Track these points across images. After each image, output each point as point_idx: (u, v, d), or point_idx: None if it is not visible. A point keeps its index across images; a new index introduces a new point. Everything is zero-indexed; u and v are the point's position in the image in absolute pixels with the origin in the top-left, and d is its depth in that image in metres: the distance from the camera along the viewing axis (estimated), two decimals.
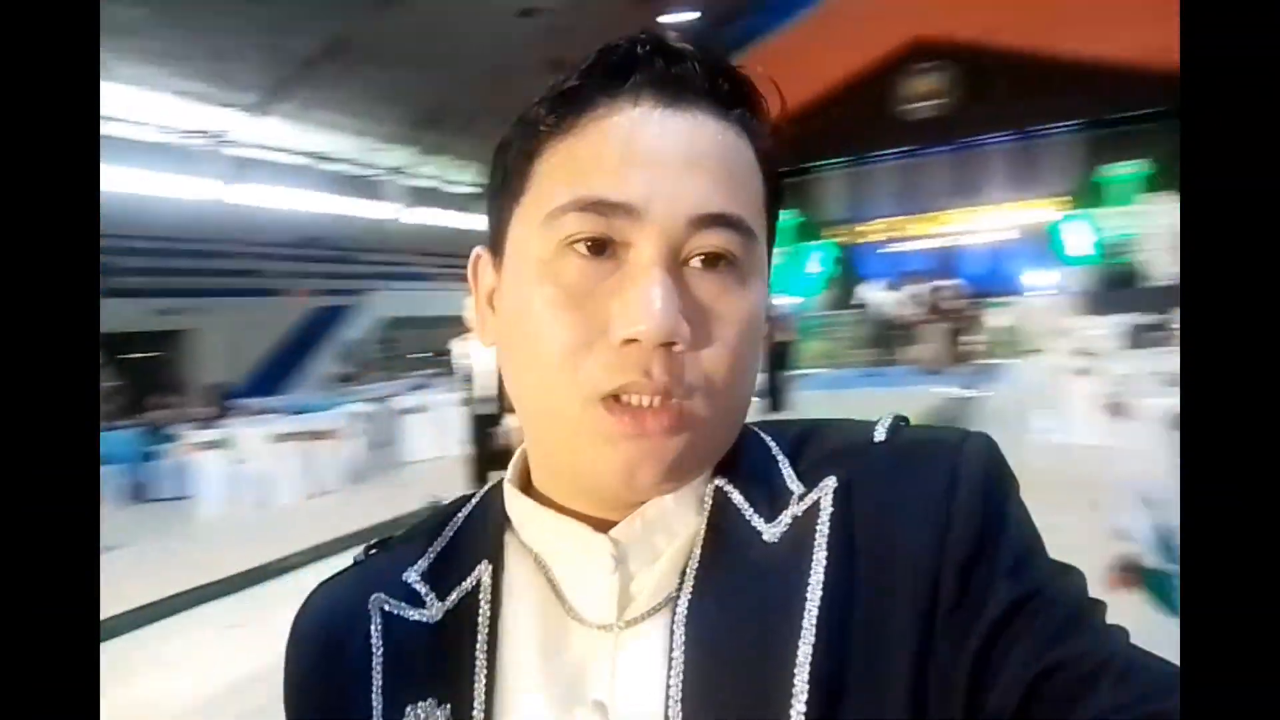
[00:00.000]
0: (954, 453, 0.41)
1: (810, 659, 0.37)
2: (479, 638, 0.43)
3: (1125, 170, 16.58)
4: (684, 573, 0.42)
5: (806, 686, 0.37)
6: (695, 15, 18.71)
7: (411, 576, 0.46)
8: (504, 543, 0.45)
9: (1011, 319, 15.46)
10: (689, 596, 0.41)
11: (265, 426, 7.76)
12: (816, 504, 0.41)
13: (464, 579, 0.45)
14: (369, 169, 20.80)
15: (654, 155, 0.40)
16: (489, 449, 4.74)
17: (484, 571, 0.44)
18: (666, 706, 0.39)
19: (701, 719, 0.39)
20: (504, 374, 0.44)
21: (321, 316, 15.27)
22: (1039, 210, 19.16)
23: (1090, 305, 13.51)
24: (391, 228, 21.60)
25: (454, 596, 0.45)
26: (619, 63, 0.42)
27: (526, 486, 0.45)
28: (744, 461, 0.44)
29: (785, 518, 0.42)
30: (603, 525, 0.43)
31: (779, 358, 9.95)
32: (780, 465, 0.44)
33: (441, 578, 0.45)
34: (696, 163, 0.40)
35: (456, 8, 15.41)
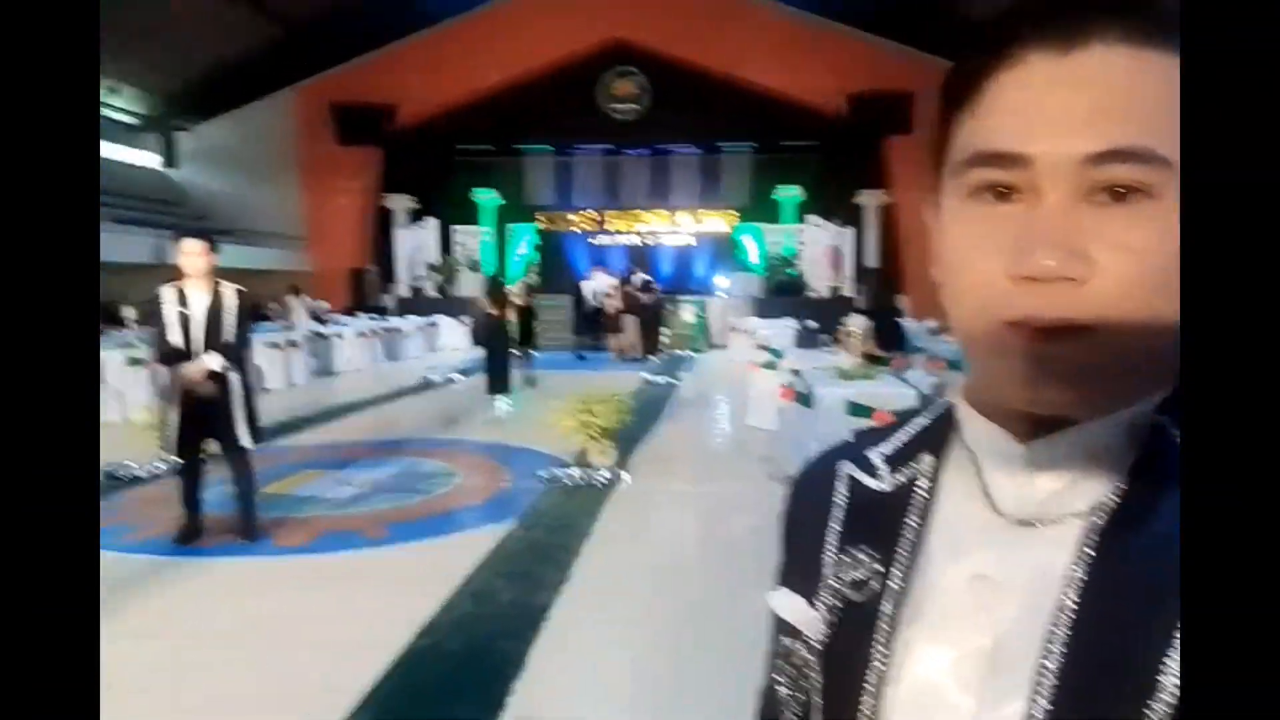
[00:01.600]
0: None
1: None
2: (914, 509, 0.51)
3: (788, 193, 19.21)
4: (1109, 495, 0.44)
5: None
6: None
7: (875, 455, 0.55)
8: (950, 440, 0.53)
9: (697, 316, 17.06)
10: (1104, 517, 0.44)
11: None
12: None
13: (912, 463, 0.53)
14: None
15: (1049, 100, 0.42)
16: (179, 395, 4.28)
17: (926, 461, 0.53)
18: (1057, 614, 0.43)
19: (1086, 635, 0.42)
20: (941, 293, 0.48)
21: None
22: (718, 219, 21.37)
23: (762, 308, 15.53)
24: None
25: (902, 475, 0.53)
26: (1007, 24, 0.44)
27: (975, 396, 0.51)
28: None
29: None
30: (1029, 435, 0.47)
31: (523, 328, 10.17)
32: None
33: (897, 460, 0.54)
34: (1095, 97, 0.41)
35: None
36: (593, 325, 15.75)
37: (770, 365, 7.82)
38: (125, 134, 20.49)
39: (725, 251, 20.49)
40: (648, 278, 16.08)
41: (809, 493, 0.59)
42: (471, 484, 5.94)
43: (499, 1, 19.51)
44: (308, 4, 18.19)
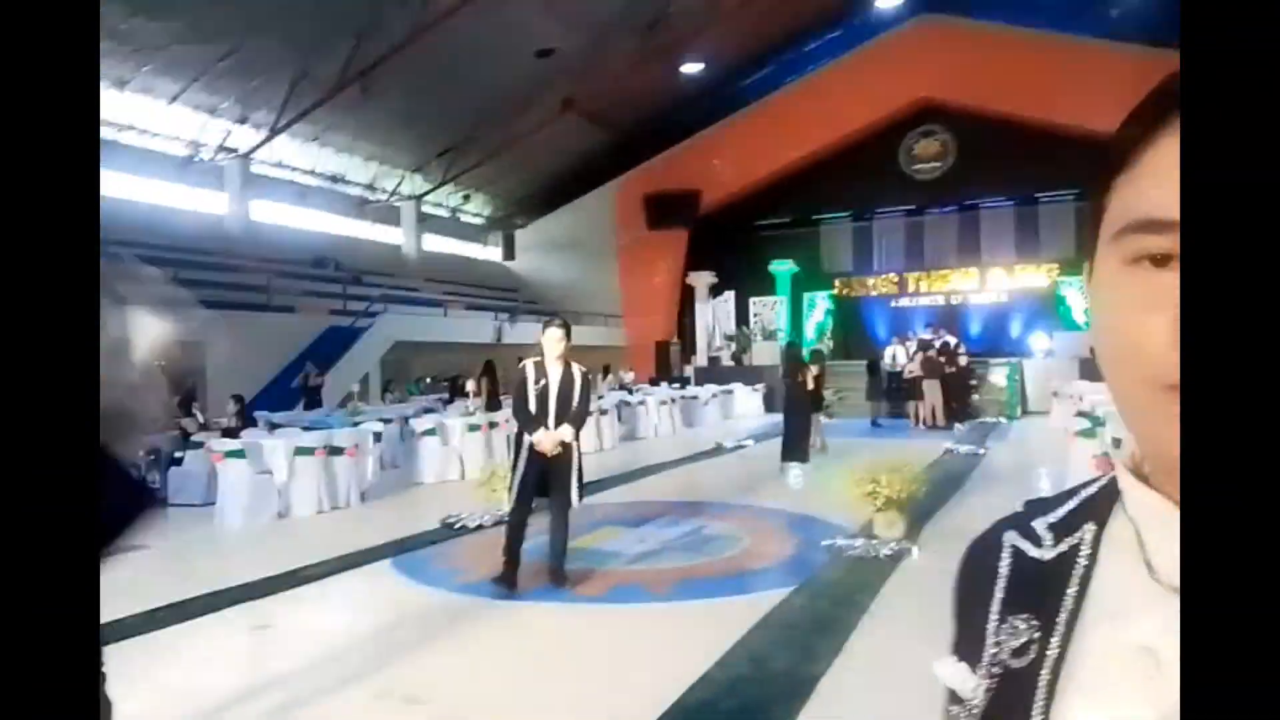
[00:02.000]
0: None
1: None
2: (1074, 578, 0.52)
3: None
4: None
5: None
6: (701, 67, 19.25)
7: (1040, 524, 0.57)
8: (1113, 510, 0.53)
9: (1010, 379, 15.70)
10: None
11: (286, 439, 7.86)
12: None
13: (1075, 532, 0.54)
14: (383, 194, 21.14)
15: None
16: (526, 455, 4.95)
17: (1088, 530, 0.54)
18: None
19: None
20: (1098, 358, 0.49)
21: (331, 336, 15.44)
22: (1036, 274, 19.60)
23: (1090, 370, 13.81)
24: (402, 253, 21.90)
25: (1064, 544, 0.54)
26: (1161, 96, 0.44)
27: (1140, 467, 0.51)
28: None
29: None
30: None
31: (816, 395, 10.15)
32: None
33: (1061, 529, 0.55)
34: None
35: (477, 46, 15.81)
36: (891, 391, 15.13)
37: (1089, 433, 7.02)
38: (475, 233, 24.30)
39: (1045, 308, 18.81)
40: (951, 339, 15.15)
41: (976, 563, 0.59)
42: (756, 548, 6.00)
43: (800, 79, 20.18)
44: (630, 109, 20.32)
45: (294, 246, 18.51)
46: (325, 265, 18.84)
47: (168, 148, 16.43)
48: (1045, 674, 0.50)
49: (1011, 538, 0.58)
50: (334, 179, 20.04)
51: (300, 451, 7.71)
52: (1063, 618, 0.51)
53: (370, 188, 20.97)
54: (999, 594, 0.56)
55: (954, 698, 0.57)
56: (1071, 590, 0.52)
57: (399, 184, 21.30)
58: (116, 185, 15.06)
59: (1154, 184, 0.44)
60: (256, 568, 5.58)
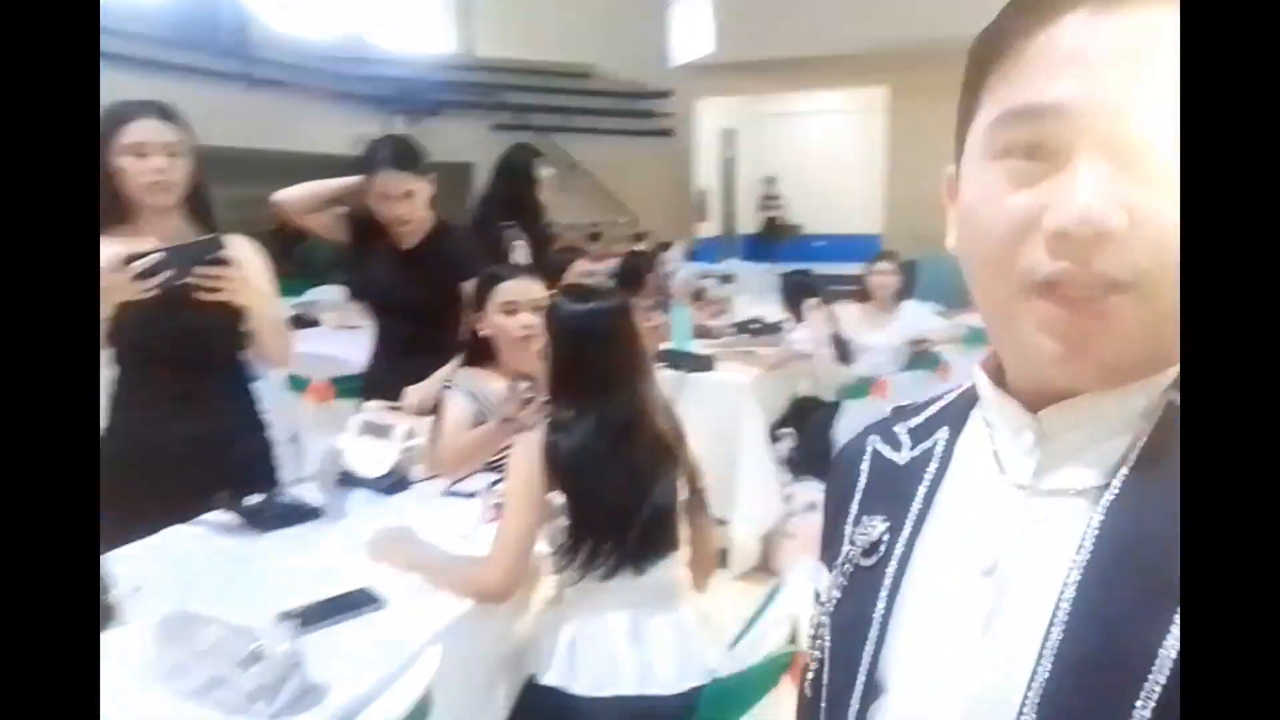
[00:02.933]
0: None
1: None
2: (925, 479, 0.53)
3: None
4: (1118, 470, 0.43)
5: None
6: None
7: (901, 428, 0.57)
8: (969, 415, 0.53)
9: None
10: (1113, 493, 0.43)
11: None
12: None
13: (931, 436, 0.55)
14: None
15: (1081, 53, 0.41)
16: None
17: (942, 434, 0.54)
18: (1062, 586, 0.42)
19: (1086, 608, 0.41)
20: (961, 264, 0.48)
21: None
22: None
23: None
24: None
25: (919, 448, 0.55)
26: None
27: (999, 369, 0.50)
28: None
29: None
30: (1044, 405, 0.46)
31: None
32: None
33: (920, 433, 0.56)
34: (1129, 52, 0.40)
35: None
36: None
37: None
38: None
39: None
40: None
41: (843, 467, 0.60)
42: None
43: None
44: None
45: None
46: None
47: None
48: (890, 572, 0.51)
49: (873, 441, 0.59)
50: None
51: None
52: (910, 519, 0.52)
53: None
54: (858, 495, 0.57)
55: (816, 597, 0.58)
56: (921, 491, 0.52)
57: None
58: None
59: (1028, 73, 0.42)
60: None
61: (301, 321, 4.59)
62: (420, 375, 2.10)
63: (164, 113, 1.77)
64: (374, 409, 2.08)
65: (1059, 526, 0.44)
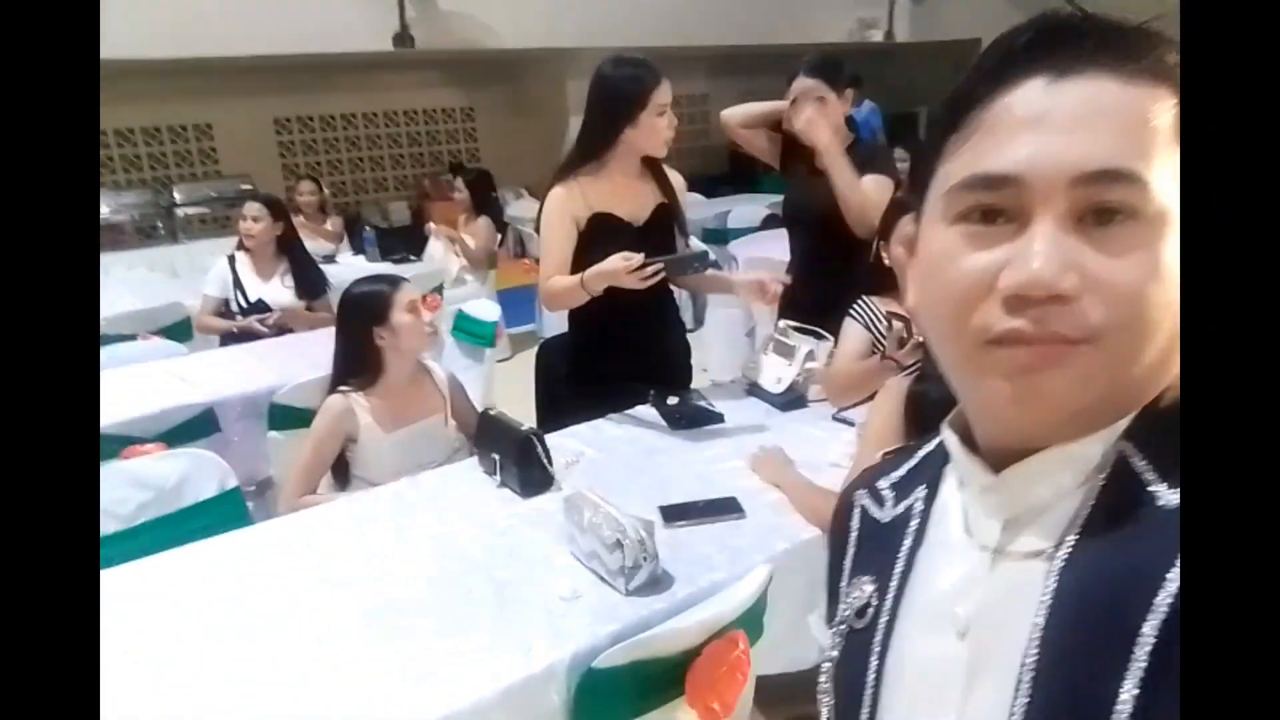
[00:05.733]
0: None
1: (1156, 634, 0.39)
2: (907, 540, 0.53)
3: None
4: (1073, 527, 0.44)
5: (1146, 661, 0.38)
6: None
7: (884, 483, 0.58)
8: (945, 471, 0.54)
9: None
10: (1068, 548, 0.44)
11: None
12: None
13: (911, 494, 0.55)
14: None
15: (1036, 124, 0.42)
16: None
17: (920, 494, 0.55)
18: (1027, 645, 0.43)
19: (1050, 667, 0.42)
20: (920, 319, 0.49)
21: None
22: None
23: None
24: None
25: (901, 506, 0.56)
26: (1003, 56, 0.45)
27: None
28: (1168, 418, 0.42)
29: None
30: (1010, 462, 0.47)
31: None
32: None
33: (901, 489, 0.57)
34: (1081, 123, 0.42)
35: None
36: None
37: None
38: None
39: None
40: None
41: (838, 521, 0.61)
42: None
43: None
44: None
45: None
46: None
47: None
48: (880, 636, 0.52)
49: (860, 497, 0.60)
50: None
51: None
52: (894, 580, 0.53)
53: None
54: (850, 553, 0.59)
55: (821, 653, 0.59)
56: (903, 551, 0.53)
57: None
58: None
59: (988, 141, 0.44)
60: None
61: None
62: (831, 299, 2.17)
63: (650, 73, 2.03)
64: (783, 328, 2.22)
65: (1022, 588, 0.45)
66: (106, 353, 3.04)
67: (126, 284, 4.42)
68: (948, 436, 0.52)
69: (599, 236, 2.03)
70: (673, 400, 2.07)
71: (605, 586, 1.41)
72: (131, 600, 1.47)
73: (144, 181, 7.23)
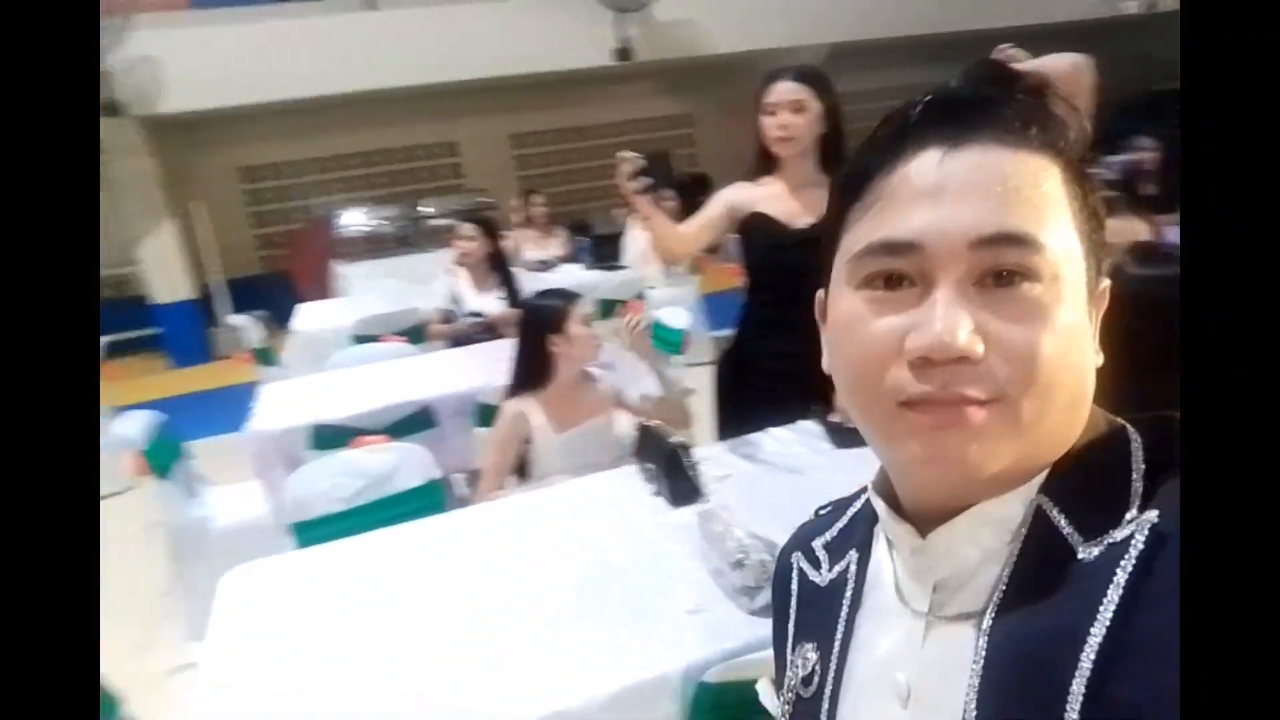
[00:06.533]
0: None
1: (1084, 691, 0.39)
2: (844, 606, 0.53)
3: None
4: (996, 586, 0.45)
5: (1078, 718, 0.38)
6: None
7: (818, 544, 0.59)
8: (875, 532, 0.54)
9: None
10: (994, 610, 0.44)
11: None
12: (1129, 538, 0.41)
13: (844, 556, 0.56)
14: None
15: (933, 191, 0.44)
16: None
17: (853, 558, 0.55)
18: (964, 709, 0.43)
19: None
20: (836, 383, 0.50)
21: None
22: None
23: None
24: None
25: (836, 569, 0.56)
26: (898, 129, 0.47)
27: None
28: (1085, 472, 0.45)
29: (1106, 539, 0.42)
30: (935, 524, 0.47)
31: None
32: (1133, 476, 0.44)
33: (835, 550, 0.57)
34: (976, 190, 0.43)
35: None
36: None
37: None
38: None
39: None
40: None
41: (779, 581, 0.61)
42: None
43: None
44: None
45: None
46: None
47: None
48: (825, 706, 0.52)
49: (798, 559, 0.59)
50: None
51: None
52: (836, 647, 0.52)
53: None
54: (792, 618, 0.58)
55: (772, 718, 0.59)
56: (842, 617, 0.53)
57: None
58: None
59: (888, 209, 0.45)
60: None
61: None
62: None
63: (798, 75, 2.05)
64: None
65: (956, 652, 0.45)
66: (350, 352, 3.49)
67: (376, 291, 5.03)
68: (875, 500, 0.52)
69: (754, 236, 2.13)
70: (836, 416, 2.03)
71: (730, 604, 1.43)
72: (337, 574, 1.68)
73: (397, 196, 8.16)
